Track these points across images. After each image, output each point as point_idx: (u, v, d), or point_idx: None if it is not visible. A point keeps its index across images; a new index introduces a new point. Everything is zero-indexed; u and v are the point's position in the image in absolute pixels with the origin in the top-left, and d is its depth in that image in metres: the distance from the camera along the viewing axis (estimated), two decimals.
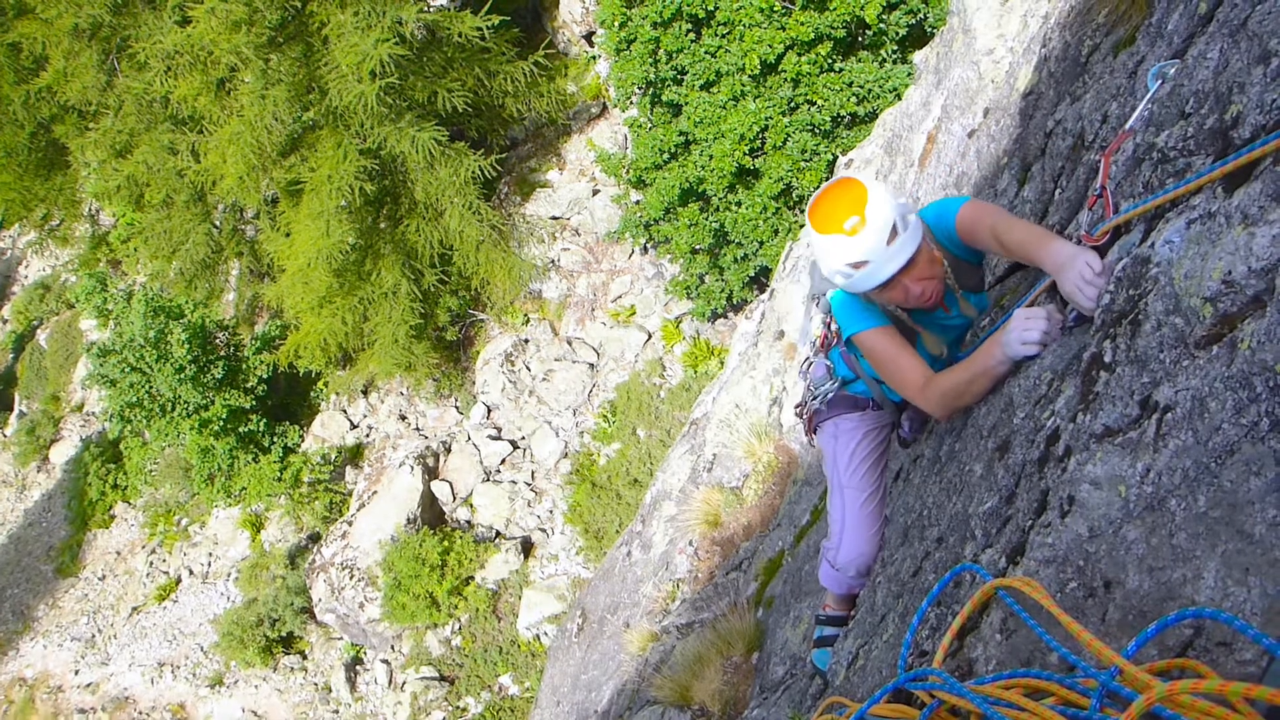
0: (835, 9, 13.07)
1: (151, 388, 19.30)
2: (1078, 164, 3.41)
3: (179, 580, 20.74)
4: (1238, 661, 1.51)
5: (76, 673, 20.30)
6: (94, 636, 20.78)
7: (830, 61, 13.70)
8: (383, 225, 18.10)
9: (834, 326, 3.41)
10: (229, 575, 20.33)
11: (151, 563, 21.38)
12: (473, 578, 17.38)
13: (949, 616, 2.29)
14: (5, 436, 26.69)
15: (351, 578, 17.77)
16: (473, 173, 16.50)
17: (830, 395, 3.56)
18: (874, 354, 3.02)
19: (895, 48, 13.75)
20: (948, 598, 2.37)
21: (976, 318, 3.26)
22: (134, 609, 20.71)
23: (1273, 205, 1.73)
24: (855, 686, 2.97)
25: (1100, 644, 1.64)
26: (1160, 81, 2.56)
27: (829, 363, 3.59)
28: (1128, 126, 2.64)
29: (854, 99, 13.59)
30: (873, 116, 13.16)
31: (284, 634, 18.59)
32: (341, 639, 18.45)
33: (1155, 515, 1.71)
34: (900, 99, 10.68)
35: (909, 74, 13.03)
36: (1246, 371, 1.64)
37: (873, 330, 2.98)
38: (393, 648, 17.82)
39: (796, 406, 3.82)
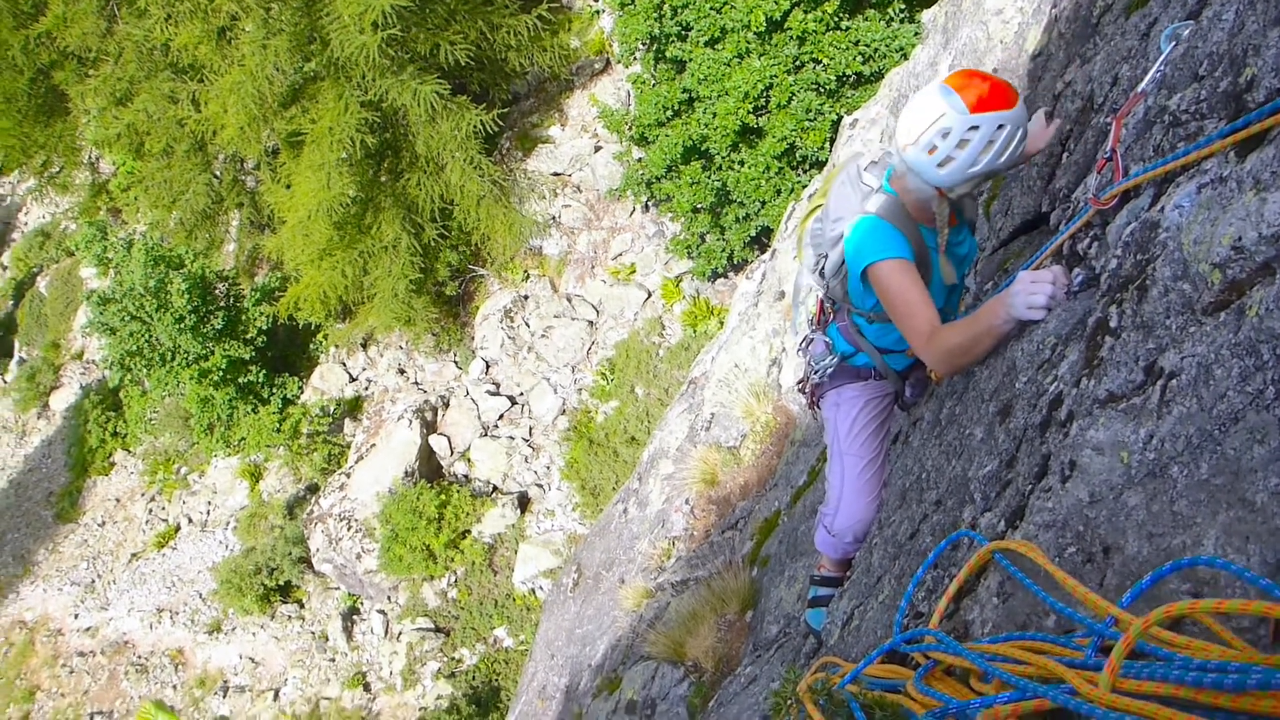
0: None
1: (151, 337, 19.30)
2: (1086, 127, 3.37)
3: (178, 528, 20.86)
4: (1235, 629, 1.51)
5: (76, 617, 20.48)
6: (93, 581, 20.95)
7: (836, 19, 13.54)
8: (383, 179, 17.99)
9: (834, 296, 3.38)
10: (228, 524, 20.46)
11: (151, 510, 21.50)
12: (469, 531, 17.48)
13: (945, 579, 2.29)
14: (5, 383, 26.72)
15: (349, 529, 17.88)
16: (474, 127, 16.36)
17: (831, 370, 3.54)
18: (888, 290, 2.92)
19: (903, 6, 13.57)
20: (945, 561, 2.38)
21: (975, 252, 3.30)
22: (133, 555, 20.86)
23: None
24: (849, 646, 2.99)
25: (1097, 598, 1.64)
26: (1173, 43, 2.52)
27: (828, 339, 3.56)
28: (1140, 89, 2.60)
29: (860, 58, 13.44)
30: (879, 76, 13.02)
31: (281, 583, 18.75)
32: (338, 589, 18.61)
33: (1157, 482, 1.71)
34: (907, 59, 10.56)
35: (916, 33, 12.87)
36: (1254, 339, 1.63)
37: (893, 261, 2.90)
38: (389, 598, 17.97)
39: (799, 382, 3.81)
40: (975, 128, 2.72)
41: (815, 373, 3.60)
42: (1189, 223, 1.90)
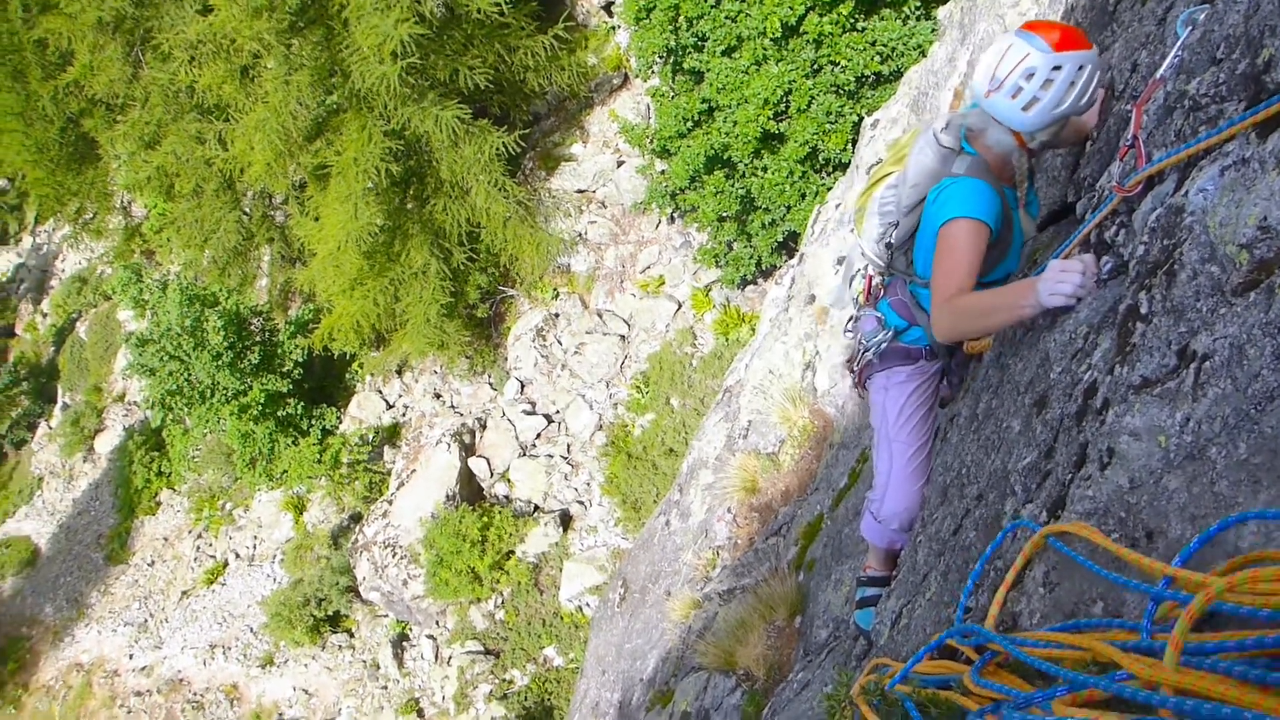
0: None
1: (190, 375, 19.57)
2: (1108, 115, 3.37)
3: (226, 563, 21.11)
4: None
5: (131, 657, 20.76)
6: (146, 621, 21.23)
7: (852, 21, 13.53)
8: (410, 206, 18.17)
9: (896, 268, 3.39)
10: (274, 557, 20.67)
11: (198, 547, 21.77)
12: (513, 552, 17.55)
13: (991, 573, 2.30)
14: (51, 428, 27.19)
15: (394, 556, 18.01)
16: (497, 149, 16.49)
17: (884, 346, 3.52)
18: (955, 245, 2.90)
19: (918, 4, 13.55)
20: (992, 554, 2.38)
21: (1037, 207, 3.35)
22: (184, 593, 21.12)
23: None
24: (899, 645, 3.00)
25: (1152, 561, 1.64)
26: (1190, 28, 2.53)
27: (879, 314, 3.55)
28: (1159, 75, 2.61)
29: (878, 58, 13.43)
30: (898, 75, 13.00)
31: (330, 613, 18.90)
32: (387, 616, 18.73)
33: (1196, 464, 1.72)
34: (925, 56, 10.55)
35: (933, 30, 12.85)
36: None
37: (976, 222, 2.88)
38: (437, 623, 18.07)
39: (847, 361, 3.82)
40: (1058, 67, 2.76)
41: (867, 350, 3.58)
42: (1214, 205, 1.91)
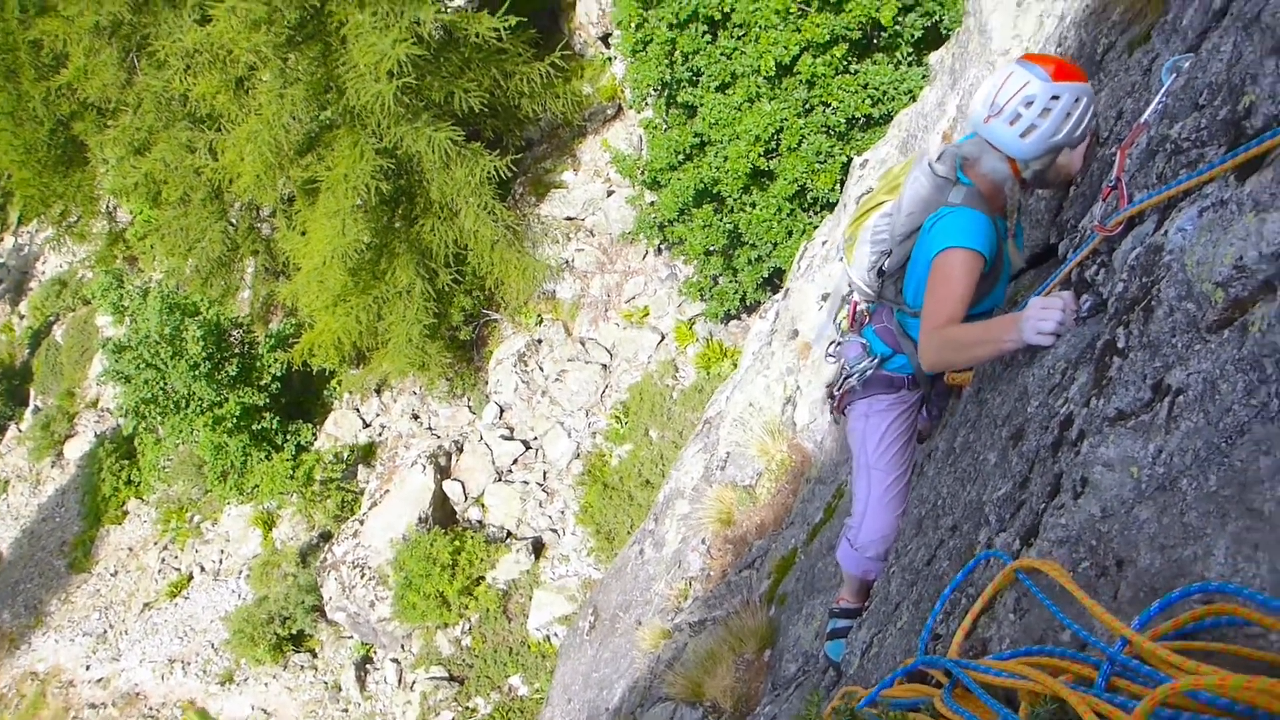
0: (851, 11, 13.10)
1: (166, 384, 19.43)
2: (1092, 159, 3.44)
3: (191, 577, 20.85)
4: (1247, 635, 1.53)
5: (88, 668, 20.43)
6: (105, 632, 20.92)
7: (845, 63, 13.72)
8: (398, 224, 18.19)
9: (886, 296, 3.41)
10: (240, 572, 20.44)
11: (163, 559, 21.51)
12: (483, 578, 17.42)
13: (963, 600, 2.32)
14: (20, 431, 26.90)
15: (362, 576, 17.84)
16: (488, 173, 16.57)
17: (869, 373, 3.55)
18: (949, 275, 2.91)
19: (910, 50, 13.76)
20: (964, 583, 2.40)
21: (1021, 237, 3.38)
22: (145, 605, 20.84)
23: None
24: (869, 674, 3.00)
25: (1110, 617, 1.67)
26: (1174, 75, 2.59)
27: (864, 341, 3.59)
28: (1142, 120, 2.67)
29: (869, 101, 13.61)
30: (888, 118, 13.18)
31: (294, 632, 18.68)
32: (352, 638, 18.53)
33: (1167, 495, 1.75)
34: (915, 100, 10.70)
35: (924, 76, 13.04)
36: (1257, 354, 1.67)
37: (972, 253, 2.90)
38: (403, 647, 17.88)
39: (829, 385, 3.85)
40: (1057, 97, 2.81)
41: (850, 375, 3.61)
42: (1192, 244, 1.95)
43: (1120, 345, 2.10)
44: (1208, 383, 1.76)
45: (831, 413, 3.87)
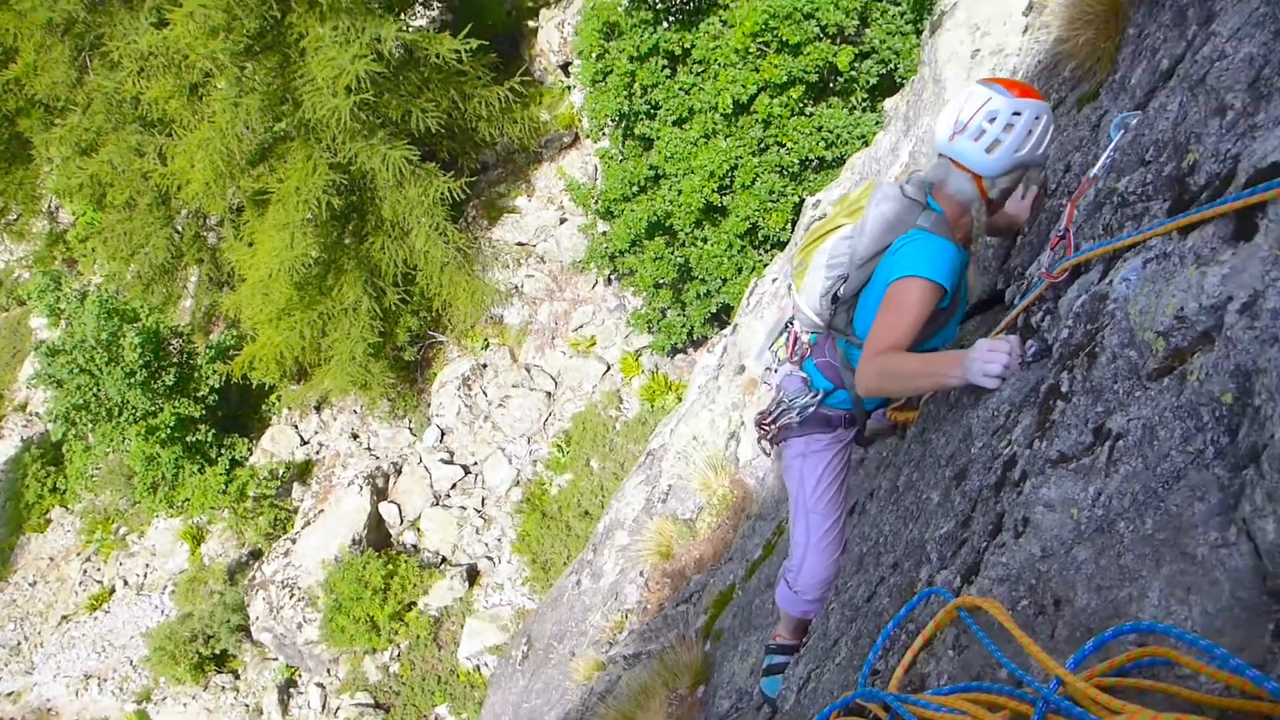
0: (809, 55, 13.33)
1: (99, 390, 18.96)
2: (1040, 210, 3.53)
3: (112, 590, 20.27)
4: (1178, 676, 1.57)
5: None
6: (20, 644, 20.22)
7: (801, 105, 13.95)
8: (348, 241, 18.04)
9: (836, 326, 3.36)
10: (165, 588, 19.92)
11: (85, 571, 20.90)
12: (415, 603, 17.18)
13: (903, 636, 2.34)
14: None
15: (291, 597, 17.50)
16: (441, 194, 16.54)
17: (810, 410, 3.49)
18: (904, 303, 2.88)
19: (865, 96, 14.03)
20: (905, 619, 2.42)
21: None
22: (63, 617, 20.20)
23: (1224, 247, 1.82)
24: (806, 709, 3.01)
25: (1046, 657, 1.69)
26: (1123, 131, 2.67)
27: (804, 374, 3.53)
28: (1092, 174, 2.75)
29: (823, 143, 13.84)
30: (840, 161, 13.39)
31: (217, 651, 18.21)
32: (276, 659, 18.12)
33: (1105, 537, 1.78)
34: (868, 145, 10.89)
35: (877, 122, 13.29)
36: (1194, 402, 1.72)
37: (933, 285, 2.87)
38: (329, 671, 17.53)
39: (759, 414, 3.75)
40: (1019, 113, 2.86)
41: (788, 410, 3.54)
42: (1135, 294, 2.00)
43: (1064, 389, 2.14)
44: (1147, 429, 1.80)
45: (760, 442, 3.78)
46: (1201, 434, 1.68)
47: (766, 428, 3.68)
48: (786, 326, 3.68)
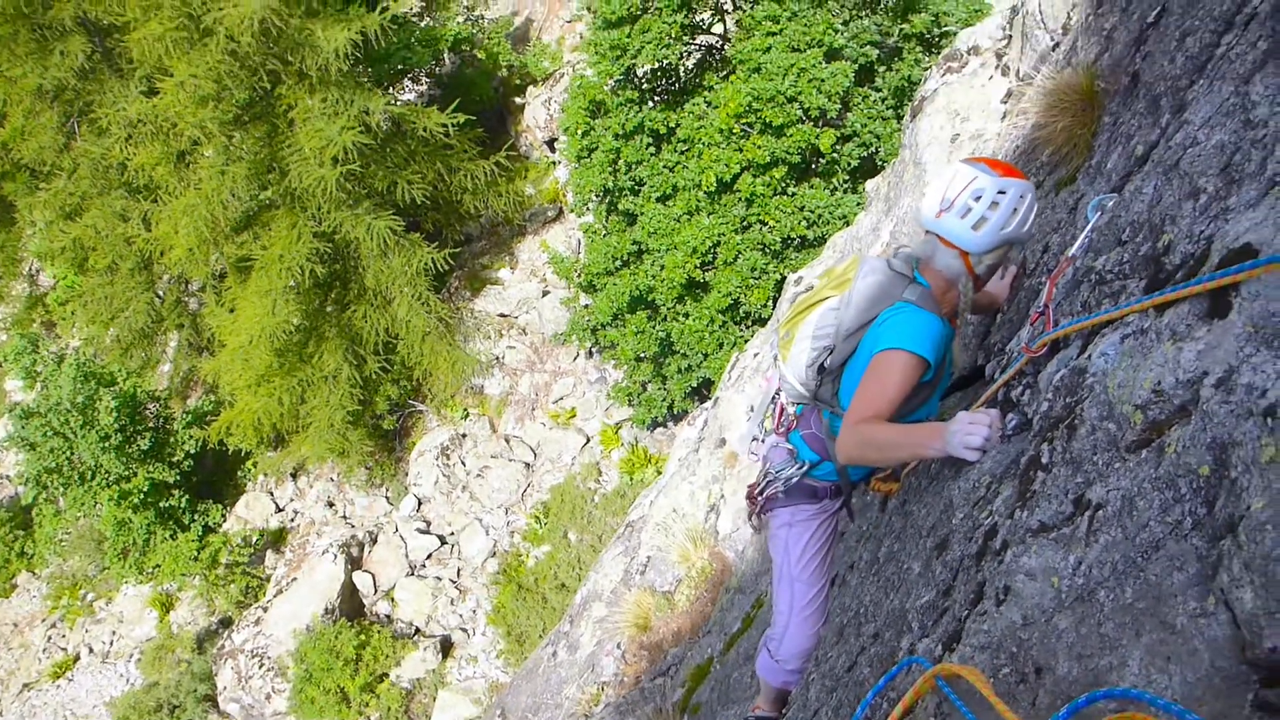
0: (791, 136, 13.61)
1: (73, 454, 18.74)
2: (1019, 290, 3.61)
3: (77, 658, 19.79)
4: None
5: None
6: None
7: (784, 185, 14.19)
8: (330, 309, 18.08)
9: (821, 398, 3.37)
10: (131, 656, 19.47)
11: (50, 637, 20.42)
12: (387, 675, 16.86)
13: (883, 705, 2.34)
14: None
15: (261, 666, 17.15)
16: (425, 264, 16.65)
17: (795, 480, 3.51)
18: (886, 371, 2.91)
19: (847, 177, 14.30)
20: (886, 688, 2.42)
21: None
22: (25, 685, 19.68)
23: (1199, 324, 1.88)
24: None
25: None
26: (1100, 212, 2.76)
27: (790, 446, 3.55)
28: (1070, 253, 2.83)
29: (805, 222, 14.05)
30: (821, 240, 13.60)
31: None
32: None
33: (1085, 605, 1.81)
34: (849, 225, 11.08)
35: (859, 203, 13.53)
36: (1172, 474, 1.76)
37: (917, 359, 2.90)
38: None
39: (750, 486, 3.76)
40: (1004, 191, 2.91)
41: (774, 481, 3.56)
42: (1114, 369, 2.06)
43: (1044, 460, 2.19)
44: (1126, 499, 1.84)
45: (750, 516, 3.78)
46: (1180, 505, 1.72)
47: (754, 500, 3.69)
48: (774, 399, 3.70)
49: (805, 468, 3.51)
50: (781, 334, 3.46)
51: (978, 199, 2.93)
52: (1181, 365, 1.85)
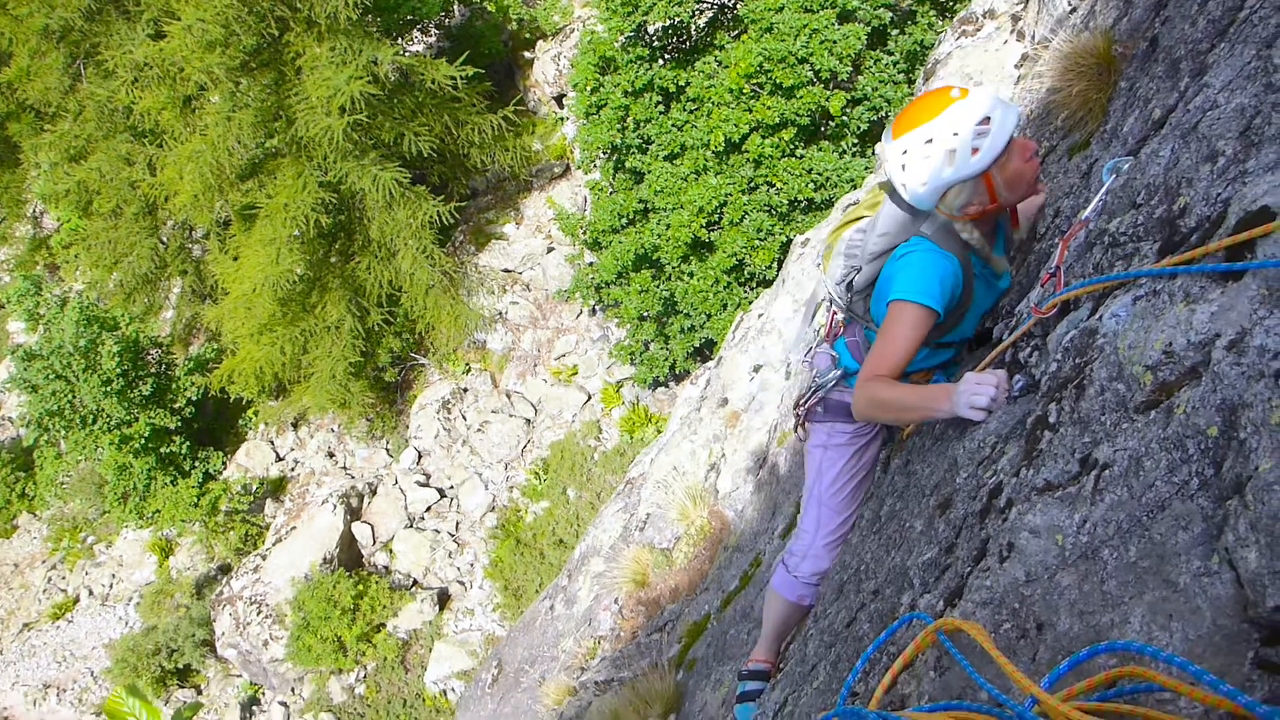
0: (802, 98, 13.50)
1: (74, 397, 18.80)
2: (1029, 253, 3.59)
3: (77, 599, 20.00)
4: (1158, 700, 1.60)
5: None
6: None
7: (792, 147, 14.10)
8: (334, 259, 18.05)
9: (855, 311, 3.35)
10: (130, 599, 19.67)
11: (50, 579, 20.62)
12: (384, 625, 17.03)
13: (883, 659, 2.36)
14: None
15: (259, 613, 17.32)
16: (430, 217, 16.59)
17: (833, 387, 3.47)
18: (893, 328, 2.91)
19: (856, 140, 14.20)
20: (886, 644, 2.45)
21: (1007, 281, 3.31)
22: (25, 625, 19.91)
23: (1212, 286, 1.88)
24: None
25: (1022, 676, 1.72)
26: (1114, 175, 2.74)
27: (834, 353, 3.51)
28: (1084, 216, 2.81)
29: (812, 185, 13.98)
30: (829, 204, 13.54)
31: (180, 666, 17.98)
32: (240, 676, 17.90)
33: (1089, 563, 1.82)
34: (857, 188, 11.03)
35: (867, 167, 13.45)
36: (1180, 434, 1.76)
37: (921, 309, 2.88)
38: (293, 690, 17.31)
39: (796, 398, 3.70)
40: (905, 151, 2.89)
41: (817, 388, 3.51)
42: (1125, 329, 2.06)
43: (1051, 420, 2.19)
44: (1133, 459, 1.85)
45: (795, 428, 3.75)
46: (1187, 465, 1.73)
47: (799, 409, 3.65)
48: (823, 305, 3.65)
49: (843, 374, 3.46)
50: (826, 244, 3.43)
51: (903, 169, 2.92)
52: (1194, 327, 1.84)
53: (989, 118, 2.81)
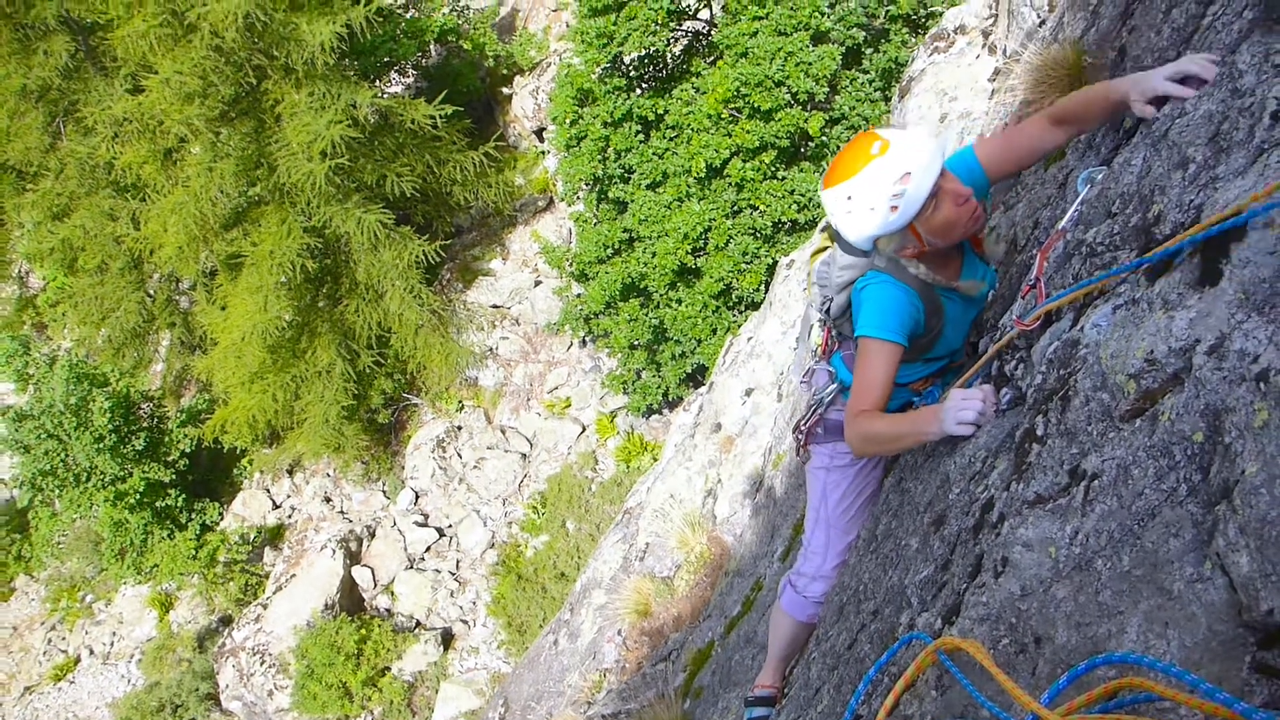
0: (780, 120, 13.60)
1: (67, 456, 18.71)
2: (1010, 265, 3.62)
3: (78, 659, 19.81)
4: (1158, 709, 1.59)
5: None
6: None
7: (773, 169, 14.19)
8: (321, 304, 18.05)
9: (842, 331, 3.36)
10: (132, 656, 19.50)
11: (50, 640, 20.43)
12: (389, 668, 16.91)
13: (885, 680, 2.35)
14: None
15: (262, 664, 17.17)
16: (416, 257, 16.62)
17: (830, 401, 3.48)
18: (864, 363, 2.92)
19: None
20: (887, 664, 2.44)
21: (986, 294, 3.30)
22: (27, 688, 19.69)
23: (1190, 292, 1.89)
24: None
25: (1021, 693, 1.71)
26: (1089, 185, 2.76)
27: (831, 369, 3.52)
28: (1060, 227, 2.83)
29: (795, 206, 14.06)
30: (812, 224, 13.61)
31: None
32: None
33: (1083, 574, 1.82)
34: None
35: None
36: (1166, 441, 1.77)
37: (884, 344, 2.90)
38: None
39: (796, 420, 3.69)
40: (833, 203, 2.91)
41: (817, 406, 3.52)
42: (1106, 339, 2.07)
43: (1039, 433, 2.20)
44: (1121, 468, 1.85)
45: (798, 450, 3.73)
46: (1174, 472, 1.73)
47: (800, 431, 3.65)
48: (819, 322, 3.66)
49: (841, 389, 3.46)
50: (808, 269, 3.45)
51: (835, 216, 2.95)
52: (1174, 333, 1.85)
53: (908, 173, 2.79)
